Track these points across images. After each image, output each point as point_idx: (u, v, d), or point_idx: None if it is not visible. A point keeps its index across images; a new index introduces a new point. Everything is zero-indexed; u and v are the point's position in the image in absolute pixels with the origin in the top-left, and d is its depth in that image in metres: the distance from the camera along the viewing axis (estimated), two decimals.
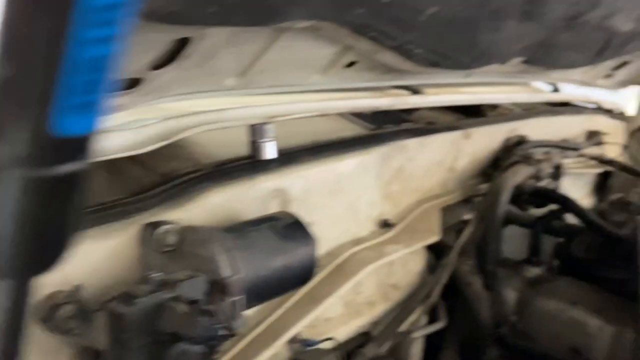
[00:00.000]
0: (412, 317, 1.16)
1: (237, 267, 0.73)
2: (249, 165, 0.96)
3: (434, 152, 1.48)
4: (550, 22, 1.30)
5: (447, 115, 1.77)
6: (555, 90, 2.47)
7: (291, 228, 0.84)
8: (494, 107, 1.85)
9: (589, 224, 1.47)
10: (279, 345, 0.91)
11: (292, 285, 0.84)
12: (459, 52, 1.22)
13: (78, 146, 0.29)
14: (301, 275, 0.84)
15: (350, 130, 1.37)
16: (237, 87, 1.00)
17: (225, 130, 1.01)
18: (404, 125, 1.44)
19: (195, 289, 0.68)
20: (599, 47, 1.76)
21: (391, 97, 1.34)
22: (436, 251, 1.44)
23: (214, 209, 0.88)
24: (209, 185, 0.88)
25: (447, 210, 1.74)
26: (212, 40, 0.77)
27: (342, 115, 1.46)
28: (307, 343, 0.96)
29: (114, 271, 0.75)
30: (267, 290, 0.79)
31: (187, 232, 0.77)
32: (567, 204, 1.51)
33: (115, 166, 0.93)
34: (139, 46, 0.69)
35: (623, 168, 2.03)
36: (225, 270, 0.72)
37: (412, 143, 1.36)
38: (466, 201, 1.66)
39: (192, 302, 0.65)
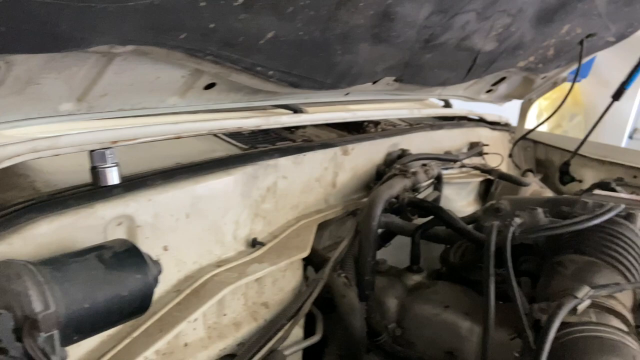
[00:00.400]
0: (280, 333, 1.16)
1: (48, 301, 0.70)
2: (88, 192, 0.94)
3: (311, 169, 1.51)
4: (406, 44, 1.38)
5: (331, 132, 1.82)
6: (447, 105, 2.63)
7: (122, 256, 0.82)
8: (376, 123, 1.92)
9: (457, 230, 1.55)
10: None
11: (125, 315, 0.82)
12: (316, 73, 1.26)
13: None
14: (135, 304, 0.82)
15: (224, 151, 1.37)
16: (76, 111, 0.97)
17: (73, 156, 0.98)
18: (278, 144, 1.46)
19: (3, 326, 0.65)
20: (468, 66, 1.89)
21: (261, 117, 1.36)
22: (318, 266, 1.47)
23: (42, 241, 0.84)
24: (35, 215, 0.85)
25: (337, 224, 1.79)
26: (24, 66, 0.75)
27: (217, 136, 1.46)
28: None
29: None
30: (93, 322, 0.77)
31: (0, 267, 0.74)
32: (437, 213, 1.59)
33: None
34: None
35: (501, 176, 2.18)
36: (36, 305, 0.70)
37: (284, 161, 1.39)
38: (354, 215, 1.71)
39: None
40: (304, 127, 1.76)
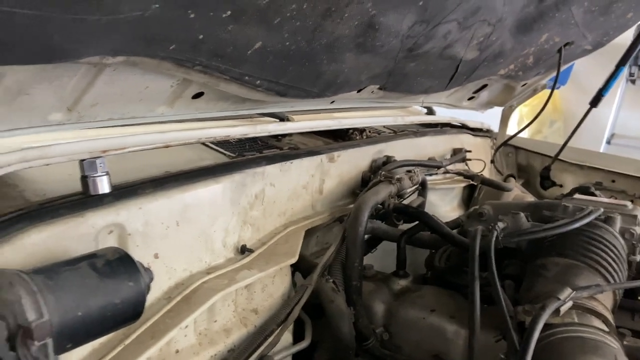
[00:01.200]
0: (270, 339, 1.17)
1: (42, 310, 0.71)
2: (78, 201, 0.94)
3: (298, 176, 1.53)
4: (390, 53, 1.41)
5: (317, 140, 1.85)
6: (430, 112, 2.68)
7: (114, 264, 0.83)
8: (361, 130, 1.95)
9: (442, 235, 1.58)
10: None
11: (118, 323, 0.83)
12: (303, 82, 1.28)
13: None
14: (127, 311, 0.82)
15: (212, 160, 1.38)
16: (66, 121, 0.98)
17: (63, 166, 0.98)
18: (265, 152, 1.48)
19: None
20: (450, 74, 1.93)
21: (248, 125, 1.37)
22: (306, 272, 1.48)
23: (33, 250, 0.85)
24: (25, 225, 0.85)
25: (324, 231, 1.81)
26: (15, 77, 0.75)
27: (205, 145, 1.47)
28: None
29: None
30: (86, 330, 0.77)
31: None
32: (422, 218, 1.62)
33: None
34: None
35: (484, 181, 2.22)
36: (30, 314, 0.70)
37: (271, 169, 1.40)
38: (341, 221, 1.73)
39: None
40: (290, 134, 1.78)
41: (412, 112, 2.67)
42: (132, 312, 0.84)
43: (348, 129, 1.91)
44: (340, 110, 2.08)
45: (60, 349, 0.75)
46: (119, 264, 0.84)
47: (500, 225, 1.41)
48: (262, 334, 1.16)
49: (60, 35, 0.63)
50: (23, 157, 0.87)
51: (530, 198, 2.32)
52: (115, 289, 0.81)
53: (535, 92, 2.71)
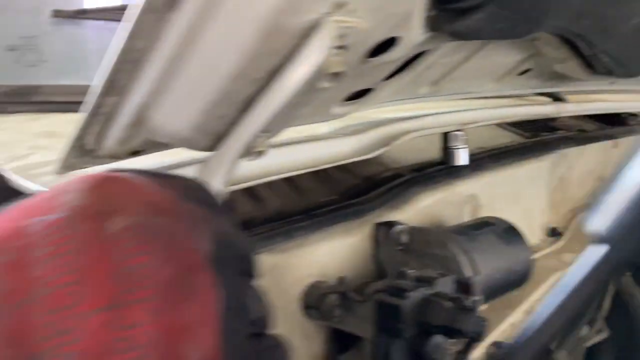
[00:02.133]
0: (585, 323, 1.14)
1: (478, 267, 0.76)
2: (447, 170, 1.00)
3: (589, 161, 1.46)
4: None
5: (589, 123, 1.74)
6: None
7: (508, 232, 0.86)
8: (634, 115, 1.79)
9: None
10: (483, 347, 0.93)
11: (513, 287, 0.86)
12: (634, 61, 1.20)
13: None
14: (521, 277, 0.86)
15: (505, 138, 1.37)
16: (428, 94, 1.03)
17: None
18: (560, 133, 1.43)
19: (446, 287, 0.72)
20: None
21: (551, 105, 1.34)
22: None
23: (423, 212, 0.91)
24: (418, 189, 0.92)
25: None
26: (438, 52, 0.81)
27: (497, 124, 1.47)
28: (500, 346, 0.97)
29: (354, 265, 0.81)
30: (495, 290, 0.82)
31: (416, 232, 0.81)
32: None
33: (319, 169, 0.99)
34: None
35: None
36: (468, 270, 0.76)
37: (572, 152, 1.36)
38: None
39: (454, 299, 0.68)
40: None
41: None
42: (523, 278, 0.87)
43: (620, 114, 1.77)
44: (602, 92, 1.94)
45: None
46: (509, 232, 0.87)
47: None
48: (581, 320, 1.13)
49: None
50: (409, 128, 0.95)
51: None
52: (514, 255, 0.85)
53: None
